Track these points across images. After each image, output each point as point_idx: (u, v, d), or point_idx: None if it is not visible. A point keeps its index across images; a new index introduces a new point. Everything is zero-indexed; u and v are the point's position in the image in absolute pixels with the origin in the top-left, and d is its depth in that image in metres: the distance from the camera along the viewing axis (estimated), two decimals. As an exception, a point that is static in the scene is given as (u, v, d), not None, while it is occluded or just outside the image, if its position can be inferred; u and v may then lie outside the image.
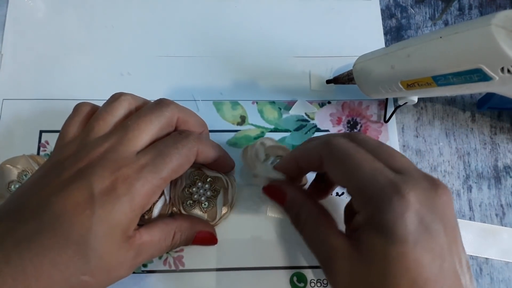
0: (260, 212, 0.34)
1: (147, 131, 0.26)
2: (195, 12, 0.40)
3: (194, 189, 0.33)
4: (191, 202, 0.33)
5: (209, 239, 0.31)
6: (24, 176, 0.33)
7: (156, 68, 0.38)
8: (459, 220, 0.35)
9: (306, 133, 0.36)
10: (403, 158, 0.24)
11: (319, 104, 0.37)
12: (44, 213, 0.22)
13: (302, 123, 0.37)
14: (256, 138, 0.36)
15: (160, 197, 0.32)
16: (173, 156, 0.26)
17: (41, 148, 0.35)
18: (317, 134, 0.36)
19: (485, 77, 0.25)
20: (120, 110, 0.27)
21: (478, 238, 0.34)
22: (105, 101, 0.28)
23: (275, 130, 0.36)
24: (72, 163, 0.24)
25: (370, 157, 0.23)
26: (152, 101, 0.28)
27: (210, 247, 0.33)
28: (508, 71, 0.24)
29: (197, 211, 0.33)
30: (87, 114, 0.28)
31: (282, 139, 0.36)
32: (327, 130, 0.37)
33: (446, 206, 0.21)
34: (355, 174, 0.22)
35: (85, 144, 0.25)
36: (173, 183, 0.33)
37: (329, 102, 0.38)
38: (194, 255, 0.33)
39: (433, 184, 0.22)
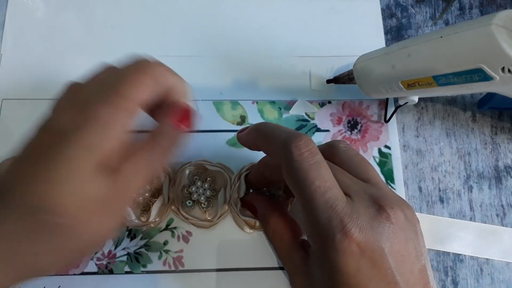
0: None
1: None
2: (195, 12, 0.40)
3: (193, 188, 0.33)
4: (190, 202, 0.33)
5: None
6: None
7: (156, 68, 0.38)
8: (459, 220, 0.35)
9: (306, 133, 0.36)
10: (359, 176, 0.24)
11: (319, 104, 0.37)
12: None
13: (302, 123, 0.37)
14: (256, 138, 0.36)
15: (158, 196, 0.32)
16: (143, 171, 0.24)
17: (41, 148, 0.35)
18: (317, 134, 0.36)
19: (485, 77, 0.25)
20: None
21: (478, 239, 0.34)
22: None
23: (275, 130, 0.36)
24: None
25: (327, 183, 0.22)
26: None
27: (211, 247, 0.33)
28: (509, 70, 0.24)
29: (196, 212, 0.33)
30: None
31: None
32: (327, 130, 0.36)
33: (392, 229, 0.21)
34: (308, 204, 0.22)
35: None
36: (172, 182, 0.33)
37: (329, 102, 0.37)
38: (194, 255, 0.33)
39: (378, 210, 0.22)
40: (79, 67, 0.37)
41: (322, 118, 0.37)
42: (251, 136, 0.27)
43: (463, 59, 0.25)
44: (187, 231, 0.33)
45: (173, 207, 0.33)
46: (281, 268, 0.33)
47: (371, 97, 0.34)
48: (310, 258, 0.24)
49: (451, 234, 0.34)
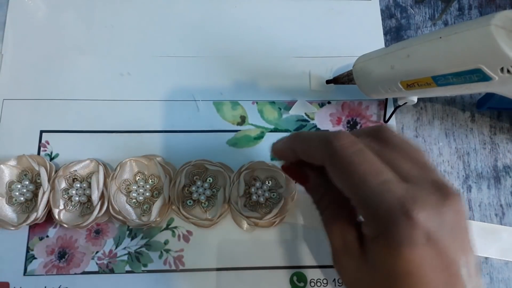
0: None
1: None
2: (195, 12, 0.40)
3: (193, 188, 0.33)
4: (191, 201, 0.33)
5: None
6: (24, 176, 0.33)
7: (156, 68, 0.38)
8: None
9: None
10: (414, 161, 0.22)
11: (319, 104, 0.37)
12: None
13: (302, 123, 0.37)
14: (256, 138, 0.36)
15: (159, 196, 0.33)
16: None
17: (42, 148, 0.35)
18: (317, 134, 0.36)
19: (484, 77, 0.25)
20: None
21: (477, 238, 0.34)
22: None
23: (275, 130, 0.36)
24: None
25: (377, 166, 0.21)
26: None
27: (211, 246, 0.33)
28: (508, 71, 0.24)
29: (197, 211, 0.33)
30: None
31: (282, 139, 0.36)
32: (327, 130, 0.37)
33: (455, 218, 0.20)
34: (359, 190, 0.21)
35: None
36: (172, 182, 0.33)
37: (329, 102, 0.38)
38: (195, 254, 0.33)
39: (442, 196, 0.20)
40: (80, 67, 0.38)
41: (322, 118, 0.37)
42: (287, 143, 0.26)
43: (462, 59, 0.25)
44: (187, 231, 0.34)
45: (173, 207, 0.33)
46: (281, 268, 0.33)
47: (371, 98, 0.34)
48: (367, 243, 0.22)
49: None
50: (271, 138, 0.36)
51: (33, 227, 0.33)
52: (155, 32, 0.39)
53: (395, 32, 0.40)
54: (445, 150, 0.37)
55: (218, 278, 0.32)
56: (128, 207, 0.33)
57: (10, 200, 0.33)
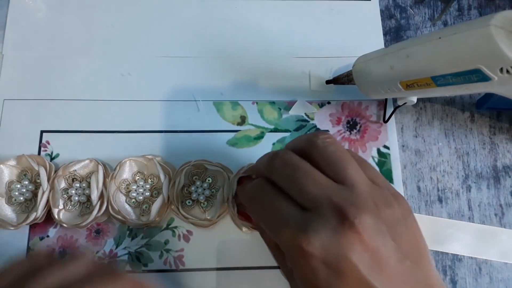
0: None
1: None
2: (195, 12, 0.40)
3: (192, 188, 0.33)
4: (190, 201, 0.33)
5: None
6: (24, 176, 0.33)
7: (156, 68, 0.38)
8: (457, 221, 0.35)
9: (306, 133, 0.36)
10: (316, 185, 0.23)
11: (319, 104, 0.37)
12: None
13: (302, 123, 0.37)
14: (256, 138, 0.36)
15: (158, 196, 0.33)
16: None
17: (42, 148, 0.35)
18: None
19: (484, 78, 0.25)
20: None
21: (477, 240, 0.34)
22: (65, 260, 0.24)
23: (275, 130, 0.36)
24: None
25: (275, 205, 0.23)
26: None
27: (211, 246, 0.33)
28: (507, 71, 0.24)
29: (196, 211, 0.33)
30: None
31: (282, 139, 0.36)
32: (327, 130, 0.37)
33: (355, 240, 0.20)
34: (267, 230, 0.24)
35: None
36: (172, 182, 0.33)
37: (328, 103, 0.38)
38: (195, 254, 0.33)
39: (340, 221, 0.21)
40: (80, 67, 0.38)
41: (322, 118, 0.37)
42: (248, 172, 0.31)
43: (462, 59, 0.26)
44: (187, 231, 0.34)
45: (172, 207, 0.33)
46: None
47: (370, 98, 0.34)
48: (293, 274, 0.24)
49: (450, 235, 0.34)
50: (271, 138, 0.36)
51: (33, 227, 0.33)
52: (155, 32, 0.39)
53: (394, 32, 0.40)
54: (444, 150, 0.37)
55: (218, 278, 0.33)
56: (127, 206, 0.33)
57: (9, 200, 0.33)
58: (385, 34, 0.40)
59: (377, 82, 0.31)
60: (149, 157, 0.34)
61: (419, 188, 0.36)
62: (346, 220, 0.21)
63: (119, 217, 0.32)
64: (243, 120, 0.37)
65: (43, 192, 0.32)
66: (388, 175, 0.36)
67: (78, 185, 0.33)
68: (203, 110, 0.37)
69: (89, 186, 0.33)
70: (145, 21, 0.39)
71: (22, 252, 0.33)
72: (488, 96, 0.35)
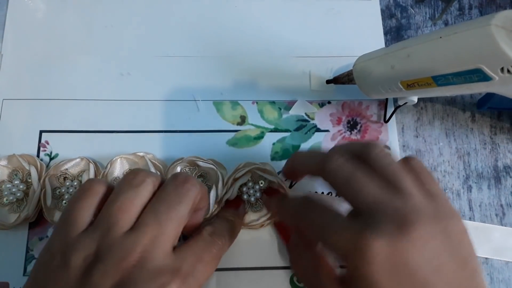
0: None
1: (180, 222, 0.24)
2: (195, 12, 0.40)
3: None
4: None
5: None
6: (15, 176, 0.33)
7: (156, 68, 0.38)
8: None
9: (306, 133, 0.36)
10: (388, 185, 0.23)
11: (319, 104, 0.37)
12: None
13: (302, 123, 0.37)
14: (256, 138, 0.36)
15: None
16: (212, 264, 0.25)
17: (41, 148, 0.35)
18: (317, 134, 0.36)
19: (485, 77, 0.25)
20: (144, 197, 0.24)
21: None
22: (123, 178, 0.24)
23: (275, 130, 0.36)
24: (99, 274, 0.21)
25: (329, 212, 0.24)
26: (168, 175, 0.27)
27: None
28: (508, 71, 0.24)
29: None
30: (102, 197, 0.24)
31: (282, 139, 0.36)
32: (327, 130, 0.37)
33: (412, 247, 0.21)
34: (321, 237, 0.24)
35: (110, 244, 0.22)
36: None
37: (329, 102, 0.38)
38: (194, 255, 0.33)
39: (400, 225, 0.21)
40: (80, 67, 0.38)
41: (322, 118, 0.37)
42: (290, 165, 0.30)
43: (462, 59, 0.25)
44: (187, 231, 0.33)
45: None
46: (281, 268, 0.33)
47: (371, 98, 0.34)
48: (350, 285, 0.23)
49: None
50: (271, 138, 0.36)
51: (32, 228, 0.33)
52: (155, 32, 0.39)
53: (395, 32, 0.40)
54: (445, 150, 0.37)
55: (218, 278, 0.32)
56: None
57: (0, 200, 0.33)
58: (385, 34, 0.40)
59: (378, 82, 0.31)
60: (141, 154, 0.34)
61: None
62: (404, 225, 0.21)
63: None
64: (243, 120, 0.37)
65: (35, 192, 0.32)
66: (388, 175, 0.36)
67: (69, 183, 0.33)
68: (203, 110, 0.37)
69: (80, 184, 0.33)
70: (145, 21, 0.39)
71: (21, 253, 0.32)
72: (489, 96, 0.35)
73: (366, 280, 0.21)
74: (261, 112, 0.37)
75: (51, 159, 0.35)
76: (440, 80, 0.27)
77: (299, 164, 0.29)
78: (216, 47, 0.39)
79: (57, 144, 0.35)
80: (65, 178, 0.33)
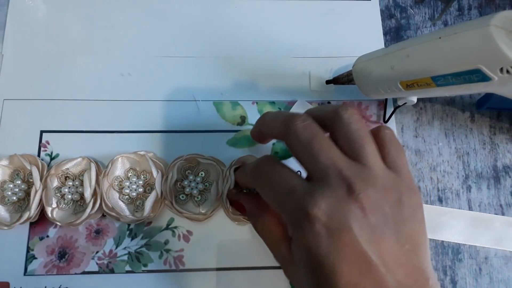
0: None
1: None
2: (195, 12, 0.40)
3: (185, 182, 0.33)
4: (183, 196, 0.33)
5: None
6: (16, 175, 0.33)
7: (156, 68, 0.38)
8: (450, 209, 0.35)
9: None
10: (329, 156, 0.23)
11: (319, 104, 0.37)
12: None
13: (302, 123, 0.37)
14: (256, 138, 0.36)
15: (151, 191, 0.33)
16: None
17: (42, 148, 0.35)
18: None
19: (484, 78, 0.25)
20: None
21: (470, 227, 0.34)
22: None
23: (275, 130, 0.36)
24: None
25: (285, 174, 0.24)
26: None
27: (211, 246, 0.33)
28: (507, 71, 0.24)
29: (190, 206, 0.33)
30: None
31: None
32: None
33: (357, 213, 0.21)
34: (273, 197, 0.25)
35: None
36: (164, 177, 0.33)
37: (329, 102, 0.38)
38: (195, 254, 0.33)
39: (348, 192, 0.21)
40: (80, 67, 0.38)
41: (322, 118, 0.37)
42: (257, 127, 0.30)
43: (462, 60, 0.25)
44: (187, 231, 0.34)
45: (166, 202, 0.33)
46: (281, 268, 0.33)
47: (370, 98, 0.34)
48: (291, 247, 0.25)
49: (443, 222, 0.35)
50: (271, 138, 0.36)
51: (33, 227, 0.33)
52: (155, 32, 0.39)
53: (394, 32, 0.40)
54: (444, 150, 0.37)
55: (218, 278, 0.33)
56: (121, 203, 0.33)
57: (2, 200, 0.33)
58: (385, 34, 0.40)
59: (377, 82, 0.31)
60: (141, 153, 0.34)
61: (419, 188, 0.36)
62: (352, 192, 0.21)
63: (113, 214, 0.32)
64: (243, 120, 0.37)
65: (36, 191, 0.32)
66: (388, 175, 0.36)
67: (71, 183, 0.33)
68: (203, 110, 0.37)
69: (82, 184, 0.33)
70: (145, 21, 0.39)
71: (22, 253, 0.33)
72: (488, 96, 0.35)
73: (304, 244, 0.22)
74: (261, 112, 0.37)
75: (51, 159, 0.35)
76: (440, 80, 0.27)
77: (265, 125, 0.28)
78: (216, 47, 0.39)
79: (57, 144, 0.35)
80: (66, 178, 0.33)
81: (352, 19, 0.40)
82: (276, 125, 0.26)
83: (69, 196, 0.33)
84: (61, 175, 0.33)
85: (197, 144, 0.36)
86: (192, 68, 0.38)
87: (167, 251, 0.33)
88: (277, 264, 0.33)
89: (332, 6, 0.41)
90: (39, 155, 0.35)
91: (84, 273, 0.32)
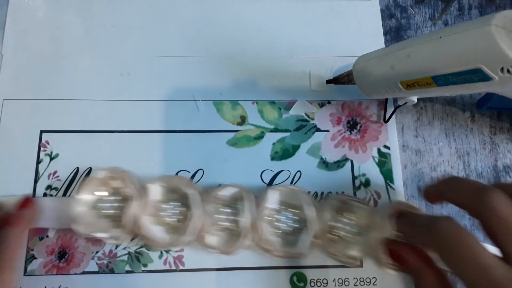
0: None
1: None
2: (195, 12, 0.40)
3: (338, 224, 0.32)
4: (334, 237, 0.32)
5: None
6: (171, 196, 0.33)
7: (156, 68, 0.38)
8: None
9: (306, 133, 0.36)
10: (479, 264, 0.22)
11: (319, 104, 0.37)
12: None
13: (302, 123, 0.37)
14: (256, 138, 0.36)
15: (302, 228, 0.32)
16: None
17: (42, 148, 0.35)
18: (317, 134, 0.36)
19: (484, 77, 0.25)
20: None
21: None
22: None
23: (275, 130, 0.36)
24: None
25: (479, 249, 0.22)
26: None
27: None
28: (508, 71, 0.24)
29: (340, 247, 0.32)
30: None
31: (282, 139, 0.36)
32: (327, 130, 0.37)
33: None
34: (462, 271, 0.22)
35: None
36: (317, 215, 0.32)
37: (329, 102, 0.38)
38: (195, 254, 0.33)
39: None
40: (80, 67, 0.38)
41: (322, 118, 0.37)
42: (439, 187, 0.28)
43: (462, 59, 0.25)
44: (187, 231, 0.33)
45: (318, 241, 0.32)
46: (281, 268, 0.33)
47: (371, 98, 0.34)
48: None
49: None
50: (271, 138, 0.36)
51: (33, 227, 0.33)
52: (155, 32, 0.39)
53: (395, 32, 0.40)
54: (445, 150, 0.37)
55: (218, 278, 0.32)
56: (272, 237, 0.32)
57: (158, 220, 0.32)
58: (385, 34, 0.40)
59: (378, 82, 0.31)
60: (293, 187, 0.33)
61: (419, 188, 0.36)
62: None
63: (267, 247, 0.31)
64: (243, 120, 0.37)
65: (194, 216, 0.31)
66: (388, 175, 0.36)
67: (225, 210, 0.32)
68: (203, 110, 0.37)
69: (235, 212, 0.32)
70: (145, 21, 0.39)
71: (22, 253, 0.32)
72: (488, 96, 0.35)
73: None
74: (261, 112, 0.37)
75: (51, 159, 0.35)
76: (440, 80, 0.27)
77: (449, 189, 0.26)
78: (216, 47, 0.39)
79: (57, 144, 0.35)
80: (221, 204, 0.33)
81: (352, 19, 0.40)
82: (465, 192, 0.25)
83: (223, 223, 0.32)
84: (216, 201, 0.33)
85: (197, 144, 0.36)
86: (192, 68, 0.38)
87: (167, 251, 0.33)
88: (277, 264, 0.33)
89: (332, 6, 0.41)
90: (38, 155, 0.35)
91: (84, 273, 0.32)
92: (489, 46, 0.24)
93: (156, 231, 0.32)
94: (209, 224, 0.32)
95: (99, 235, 0.31)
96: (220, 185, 0.34)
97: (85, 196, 0.32)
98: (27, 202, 0.32)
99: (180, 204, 0.33)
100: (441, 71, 0.27)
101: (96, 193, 0.33)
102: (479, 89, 0.27)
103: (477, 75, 0.25)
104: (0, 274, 0.27)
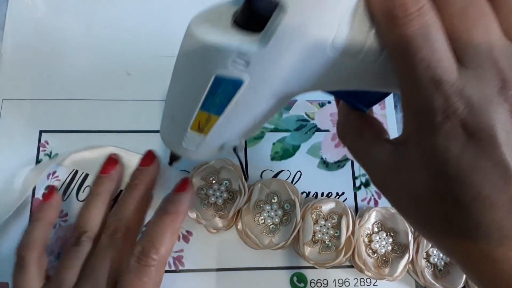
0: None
1: None
2: (195, 12, 0.40)
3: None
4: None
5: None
6: (273, 200, 0.33)
7: (156, 68, 0.38)
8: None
9: (306, 133, 0.36)
10: (487, 34, 0.17)
11: (319, 104, 0.37)
12: None
13: (302, 123, 0.37)
14: (256, 138, 0.36)
15: (400, 251, 0.33)
16: None
17: (41, 148, 0.35)
18: (317, 134, 0.36)
19: (236, 84, 0.20)
20: None
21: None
22: None
23: (275, 130, 0.36)
24: None
25: (432, 54, 0.17)
26: None
27: (211, 247, 0.33)
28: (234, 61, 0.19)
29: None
30: None
31: (282, 139, 0.36)
32: (327, 130, 0.37)
33: (502, 116, 0.17)
34: (405, 83, 0.18)
35: None
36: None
37: (329, 102, 0.38)
38: (194, 255, 0.33)
39: (500, 88, 0.17)
40: (79, 67, 0.38)
41: (322, 118, 0.37)
42: None
43: (195, 80, 0.22)
44: (187, 231, 0.33)
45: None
46: (281, 268, 0.33)
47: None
48: (398, 150, 0.20)
49: None
50: (271, 137, 0.36)
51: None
52: (155, 32, 0.39)
53: (395, 31, 0.40)
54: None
55: (218, 278, 0.32)
56: (368, 257, 0.33)
57: (256, 220, 0.33)
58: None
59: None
60: (392, 211, 0.33)
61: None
62: (504, 90, 0.17)
63: (362, 265, 0.32)
64: (243, 120, 0.37)
65: (297, 224, 0.32)
66: (389, 175, 0.36)
67: (323, 223, 0.33)
68: (203, 110, 0.37)
69: (333, 226, 0.33)
70: (145, 21, 0.39)
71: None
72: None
73: (430, 146, 0.17)
74: (261, 112, 0.37)
75: (50, 159, 0.35)
76: (211, 108, 0.23)
77: None
78: (216, 47, 0.39)
79: (57, 144, 0.35)
80: (319, 217, 0.33)
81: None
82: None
83: (320, 236, 0.32)
84: (315, 213, 0.33)
85: (197, 144, 0.36)
86: (192, 68, 0.38)
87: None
88: (277, 265, 0.33)
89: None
90: (38, 155, 0.35)
91: (83, 273, 0.32)
92: (202, 47, 0.20)
93: (257, 231, 0.33)
94: (306, 234, 0.32)
95: (203, 221, 0.32)
96: (317, 196, 0.35)
97: (196, 181, 0.33)
98: (150, 156, 0.32)
99: (279, 207, 0.33)
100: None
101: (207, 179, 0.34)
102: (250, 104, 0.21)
103: (225, 87, 0.20)
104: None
